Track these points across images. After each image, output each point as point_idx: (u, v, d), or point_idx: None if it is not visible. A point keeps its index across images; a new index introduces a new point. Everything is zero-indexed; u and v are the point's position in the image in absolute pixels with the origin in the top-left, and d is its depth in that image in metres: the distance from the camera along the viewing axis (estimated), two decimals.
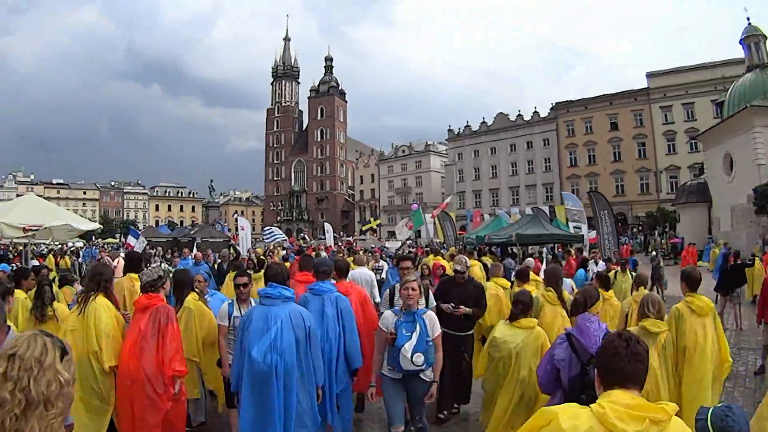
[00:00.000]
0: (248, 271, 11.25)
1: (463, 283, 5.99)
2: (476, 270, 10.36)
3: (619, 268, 10.18)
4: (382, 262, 12.49)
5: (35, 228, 9.46)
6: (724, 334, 5.04)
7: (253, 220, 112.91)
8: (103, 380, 4.04)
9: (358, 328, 5.02)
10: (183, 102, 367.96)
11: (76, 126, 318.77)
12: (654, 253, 19.76)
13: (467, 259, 6.37)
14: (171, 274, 6.39)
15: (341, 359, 4.76)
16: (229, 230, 38.37)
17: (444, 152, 75.01)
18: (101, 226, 12.16)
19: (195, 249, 19.42)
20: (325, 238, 32.32)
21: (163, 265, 12.72)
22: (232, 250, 18.88)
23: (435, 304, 5.61)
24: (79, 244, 38.27)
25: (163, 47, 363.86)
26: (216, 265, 13.11)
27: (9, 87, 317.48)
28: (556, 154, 56.34)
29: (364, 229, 38.60)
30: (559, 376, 3.52)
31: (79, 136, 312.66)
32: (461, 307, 5.64)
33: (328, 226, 32.37)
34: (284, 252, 21.29)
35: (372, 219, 36.56)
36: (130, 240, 24.68)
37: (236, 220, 30.93)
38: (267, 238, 29.01)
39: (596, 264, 11.73)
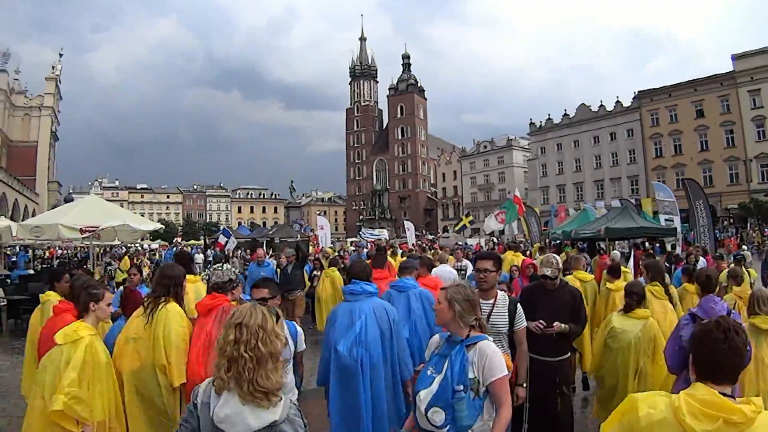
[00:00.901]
0: (314, 272, 12.13)
1: (554, 291, 4.70)
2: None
3: (733, 266, 8.63)
4: (465, 261, 11.22)
5: (92, 229, 9.63)
6: None
7: (336, 220, 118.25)
8: (168, 397, 3.77)
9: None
10: (263, 106, 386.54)
11: (159, 133, 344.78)
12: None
13: (558, 258, 4.87)
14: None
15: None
16: (311, 230, 40.83)
17: (526, 147, 76.14)
18: (162, 226, 13.97)
19: (262, 249, 20.70)
20: (406, 237, 32.09)
21: (224, 266, 13.58)
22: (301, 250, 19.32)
23: (523, 324, 4.13)
24: (155, 245, 42.36)
25: (240, 53, 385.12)
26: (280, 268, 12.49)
27: (95, 98, 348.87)
28: (641, 144, 56.26)
29: (457, 228, 39.55)
30: (685, 356, 3.61)
31: (162, 142, 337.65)
32: (555, 324, 4.41)
33: (408, 224, 32.46)
34: (354, 251, 22.13)
35: (464, 216, 37.83)
36: (221, 239, 26.76)
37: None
38: (368, 237, 31.95)
39: (696, 260, 11.20)
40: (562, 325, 4.45)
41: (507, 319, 4.01)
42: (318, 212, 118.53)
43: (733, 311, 4.48)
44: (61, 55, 59.29)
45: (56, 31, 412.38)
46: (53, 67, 57.54)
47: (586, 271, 8.52)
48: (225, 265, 10.20)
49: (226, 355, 1.96)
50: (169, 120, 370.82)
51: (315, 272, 12.03)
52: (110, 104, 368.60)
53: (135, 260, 21.54)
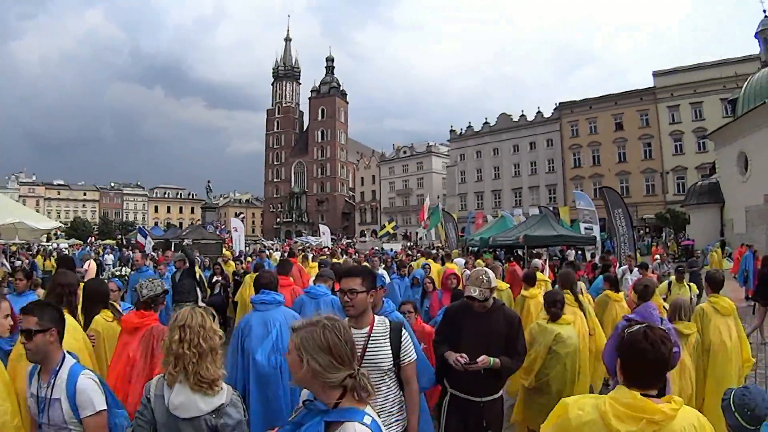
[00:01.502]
0: (215, 277, 10.77)
1: (485, 314, 3.58)
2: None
3: (674, 279, 8.72)
4: (380, 271, 9.77)
5: None
6: (744, 334, 5.32)
7: (253, 222, 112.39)
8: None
9: None
10: (185, 104, 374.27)
11: (80, 128, 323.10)
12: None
13: (490, 275, 3.63)
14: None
15: None
16: (228, 232, 37.48)
17: (446, 153, 74.32)
18: (61, 224, 11.39)
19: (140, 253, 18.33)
20: (321, 240, 31.75)
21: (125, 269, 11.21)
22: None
23: (412, 357, 3.00)
24: (64, 245, 38.16)
25: (166, 50, 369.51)
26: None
27: (16, 90, 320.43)
28: (560, 154, 55.39)
29: (380, 234, 36.86)
30: None
31: (83, 138, 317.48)
32: (480, 358, 3.35)
33: (324, 228, 32.25)
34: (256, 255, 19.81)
35: (387, 222, 35.22)
36: (140, 238, 24.69)
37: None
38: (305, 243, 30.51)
39: (630, 271, 10.38)
40: (491, 359, 3.38)
41: (389, 352, 2.88)
42: (235, 214, 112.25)
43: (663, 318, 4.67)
44: None
45: None
46: None
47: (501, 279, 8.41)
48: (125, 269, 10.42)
49: (173, 353, 2.25)
50: (91, 115, 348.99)
51: (216, 277, 10.59)
52: (34, 97, 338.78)
53: (24, 262, 17.07)
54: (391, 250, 30.75)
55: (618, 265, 12.85)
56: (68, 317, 3.24)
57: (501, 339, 3.51)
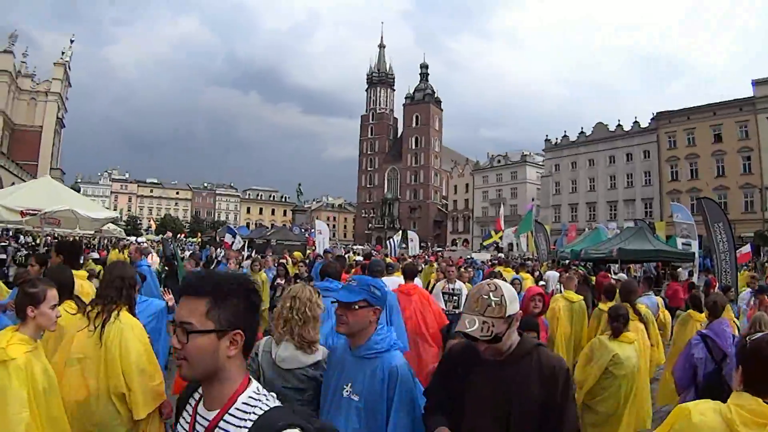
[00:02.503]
0: (278, 279, 10.67)
1: (505, 364, 2.32)
2: (528, 284, 9.98)
3: None
4: (459, 283, 8.30)
5: (34, 212, 9.10)
6: None
7: (345, 227, 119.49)
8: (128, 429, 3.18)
9: (416, 329, 5.91)
10: (281, 109, 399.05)
11: (175, 129, 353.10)
12: None
13: (506, 290, 2.31)
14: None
15: None
16: (315, 233, 39.10)
17: (540, 163, 75.94)
18: (117, 215, 12.47)
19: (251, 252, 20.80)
20: (408, 247, 31.78)
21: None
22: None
23: None
24: (141, 239, 40.51)
25: (261, 56, 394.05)
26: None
27: (113, 92, 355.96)
28: (657, 166, 55.86)
29: (486, 243, 37.68)
30: (694, 374, 4.51)
31: (177, 139, 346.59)
32: None
33: (412, 234, 32.05)
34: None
35: (493, 232, 35.70)
36: (227, 238, 25.95)
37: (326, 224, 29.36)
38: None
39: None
40: None
41: None
42: (328, 218, 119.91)
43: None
44: (72, 42, 60.12)
45: (78, 21, 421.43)
46: (62, 53, 58.28)
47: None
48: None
49: (283, 317, 3.00)
50: (186, 117, 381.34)
51: (279, 280, 10.39)
52: (129, 98, 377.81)
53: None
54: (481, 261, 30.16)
55: (717, 284, 12.36)
56: (130, 318, 3.32)
57: (533, 408, 2.26)
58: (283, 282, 10.00)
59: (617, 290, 6.81)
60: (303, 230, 39.01)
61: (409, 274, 6.93)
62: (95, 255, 13.77)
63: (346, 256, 24.06)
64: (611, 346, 4.64)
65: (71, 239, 7.22)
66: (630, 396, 4.62)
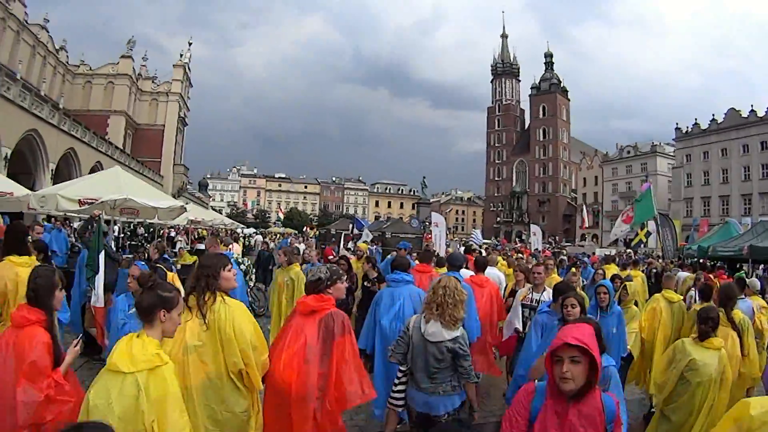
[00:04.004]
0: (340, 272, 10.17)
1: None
2: (638, 282, 10.50)
3: None
4: (547, 293, 6.68)
5: (91, 200, 8.96)
6: None
7: (474, 220, 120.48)
8: (244, 404, 3.41)
9: (487, 318, 6.43)
10: (410, 104, 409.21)
11: (304, 126, 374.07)
12: None
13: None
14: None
15: None
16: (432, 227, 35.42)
17: (671, 154, 72.80)
18: (178, 203, 12.03)
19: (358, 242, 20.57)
20: (530, 242, 31.76)
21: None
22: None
23: None
24: (249, 230, 43.06)
25: (387, 52, 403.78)
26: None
27: (242, 91, 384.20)
28: None
29: (634, 243, 34.97)
30: None
31: (306, 135, 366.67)
32: None
33: (535, 228, 30.57)
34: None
35: (639, 230, 32.46)
36: (356, 230, 26.91)
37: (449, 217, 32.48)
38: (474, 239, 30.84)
39: None
40: None
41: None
42: (455, 210, 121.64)
43: None
44: (190, 44, 66.40)
45: (206, 27, 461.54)
46: (181, 55, 64.27)
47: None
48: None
49: (436, 301, 4.08)
50: (315, 114, 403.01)
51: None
52: (259, 97, 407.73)
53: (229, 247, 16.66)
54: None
55: None
56: (237, 302, 3.54)
57: None
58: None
59: (716, 291, 6.42)
60: (423, 224, 37.45)
61: (480, 265, 7.19)
62: (201, 246, 14.01)
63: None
64: (690, 350, 4.51)
65: (17, 223, 7.05)
66: (704, 407, 4.32)
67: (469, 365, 4.06)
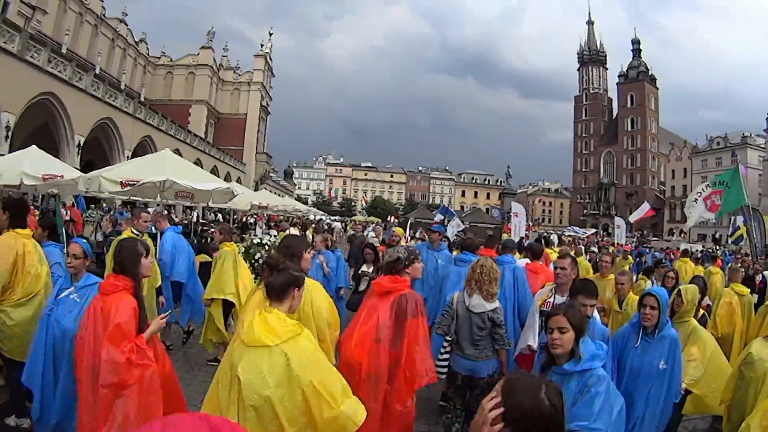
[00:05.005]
0: (363, 267, 8.53)
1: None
2: (717, 279, 9.79)
3: None
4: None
5: (133, 182, 8.95)
6: None
7: (561, 212, 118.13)
8: None
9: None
10: (499, 94, 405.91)
11: (391, 116, 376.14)
12: None
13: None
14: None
15: (515, 316, 6.04)
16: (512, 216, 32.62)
17: (762, 146, 68.87)
18: (224, 185, 11.13)
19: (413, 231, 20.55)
20: (613, 234, 30.93)
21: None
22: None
23: None
24: (321, 216, 41.85)
25: (474, 42, 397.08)
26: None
27: (330, 82, 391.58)
28: None
29: (734, 238, 30.79)
30: None
31: (394, 125, 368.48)
32: None
33: (619, 221, 29.36)
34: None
35: (742, 224, 28.74)
36: (438, 217, 25.84)
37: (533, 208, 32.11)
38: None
39: None
40: None
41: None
42: (542, 201, 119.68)
43: None
44: (270, 34, 67.87)
45: (289, 18, 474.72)
46: (261, 45, 65.78)
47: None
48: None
49: (474, 278, 4.66)
50: (403, 103, 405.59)
51: (365, 267, 8.28)
52: (346, 88, 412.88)
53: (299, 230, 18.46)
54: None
55: None
56: (312, 281, 3.80)
57: None
58: (369, 270, 7.87)
59: None
60: (507, 214, 35.90)
61: (536, 253, 7.36)
62: (273, 232, 14.40)
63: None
64: (753, 344, 4.34)
65: (19, 197, 7.54)
66: (758, 405, 3.79)
67: (504, 332, 4.64)
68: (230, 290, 6.57)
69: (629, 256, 14.49)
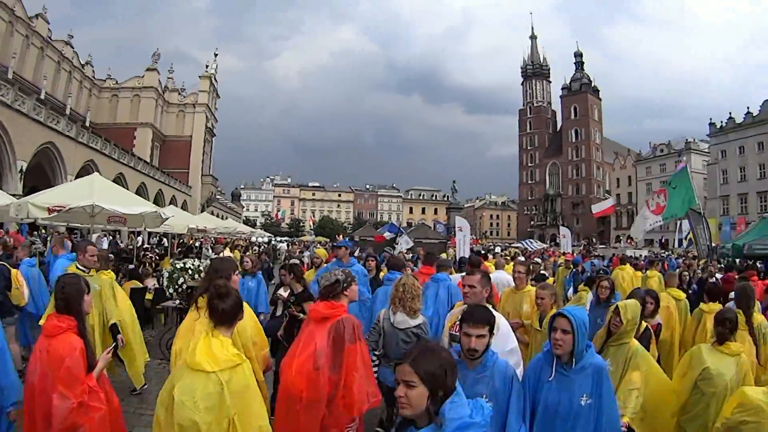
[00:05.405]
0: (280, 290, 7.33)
1: None
2: (654, 283, 9.57)
3: None
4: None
5: (59, 208, 8.99)
6: None
7: (509, 224, 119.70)
8: None
9: None
10: (444, 110, 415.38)
11: (339, 134, 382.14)
12: None
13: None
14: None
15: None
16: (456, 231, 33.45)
17: (706, 151, 70.75)
18: (151, 209, 11.03)
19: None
20: (557, 244, 32.42)
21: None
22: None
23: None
24: (267, 238, 43.24)
25: (420, 59, 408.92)
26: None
27: (278, 102, 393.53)
28: None
29: (685, 243, 31.28)
30: None
31: (341, 143, 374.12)
32: None
33: (564, 231, 30.40)
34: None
35: (692, 230, 28.18)
36: (387, 235, 26.30)
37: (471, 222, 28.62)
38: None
39: None
40: None
41: None
42: (490, 215, 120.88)
43: None
44: (215, 55, 66.64)
45: (239, 39, 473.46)
46: (207, 67, 64.66)
47: None
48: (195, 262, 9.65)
49: (398, 296, 4.78)
50: (350, 122, 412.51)
51: (281, 291, 6.96)
52: (294, 108, 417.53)
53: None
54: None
55: None
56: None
57: None
58: (285, 294, 6.45)
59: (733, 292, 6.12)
60: (454, 229, 36.48)
61: (475, 264, 7.95)
62: (212, 255, 14.30)
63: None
64: (705, 358, 4.20)
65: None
66: (716, 419, 3.86)
67: None
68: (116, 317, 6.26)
69: (571, 266, 13.53)
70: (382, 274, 8.65)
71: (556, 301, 5.45)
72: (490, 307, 4.02)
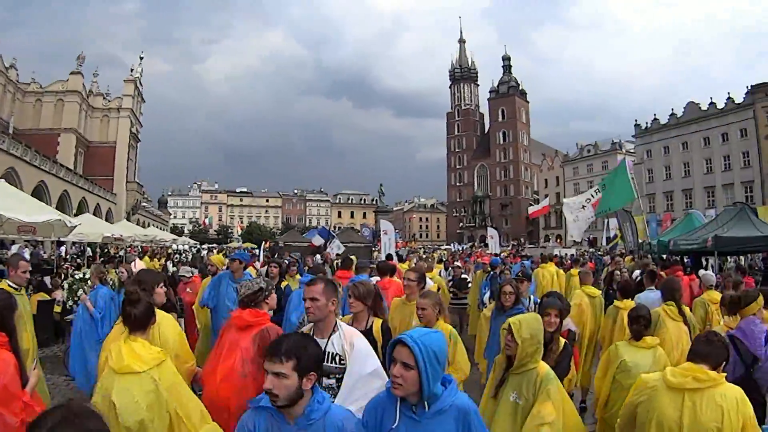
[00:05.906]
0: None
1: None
2: (576, 282, 9.41)
3: None
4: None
5: None
6: None
7: (438, 227, 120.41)
8: None
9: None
10: (373, 114, 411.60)
11: (268, 139, 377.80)
12: None
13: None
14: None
15: None
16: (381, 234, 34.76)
17: (632, 151, 72.93)
18: (56, 217, 10.77)
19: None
20: (487, 245, 31.72)
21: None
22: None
23: None
24: (190, 245, 43.17)
25: (350, 63, 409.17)
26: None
27: (206, 107, 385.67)
28: (756, 146, 52.23)
29: (611, 245, 31.40)
30: None
31: (270, 148, 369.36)
32: None
33: (492, 231, 30.74)
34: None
35: (619, 232, 29.09)
36: (315, 240, 24.83)
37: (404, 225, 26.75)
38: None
39: None
40: None
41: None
42: (419, 218, 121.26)
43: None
44: (141, 59, 64.35)
45: (167, 42, 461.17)
46: (131, 70, 62.30)
47: None
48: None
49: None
50: (279, 127, 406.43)
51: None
52: (223, 112, 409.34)
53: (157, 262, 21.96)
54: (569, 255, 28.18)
55: None
56: (164, 312, 3.93)
57: None
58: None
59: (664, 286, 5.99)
60: (372, 232, 37.44)
61: (383, 271, 7.60)
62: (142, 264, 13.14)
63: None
64: (622, 352, 4.33)
65: None
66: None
67: None
68: None
69: (489, 269, 11.98)
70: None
71: (442, 311, 4.61)
72: (375, 319, 4.04)
